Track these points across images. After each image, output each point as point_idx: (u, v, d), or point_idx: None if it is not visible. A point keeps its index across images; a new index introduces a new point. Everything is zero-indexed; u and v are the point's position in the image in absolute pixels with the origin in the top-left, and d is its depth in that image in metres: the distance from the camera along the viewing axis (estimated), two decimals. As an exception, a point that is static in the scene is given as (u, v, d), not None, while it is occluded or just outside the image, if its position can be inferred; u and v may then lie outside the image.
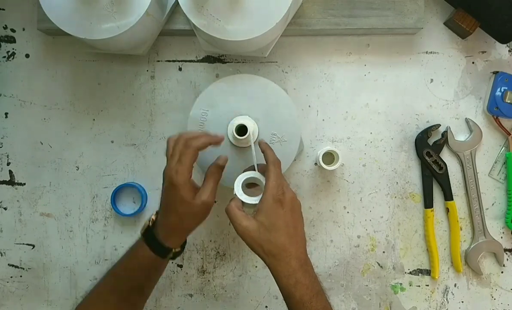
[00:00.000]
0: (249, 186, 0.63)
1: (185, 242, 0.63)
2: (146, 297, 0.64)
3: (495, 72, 0.73)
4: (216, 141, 0.60)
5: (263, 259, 0.56)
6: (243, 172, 0.61)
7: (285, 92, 0.66)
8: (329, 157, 0.72)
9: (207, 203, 0.58)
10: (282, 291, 0.56)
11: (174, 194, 0.57)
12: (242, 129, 0.63)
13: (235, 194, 0.59)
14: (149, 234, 0.60)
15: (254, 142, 0.63)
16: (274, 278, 0.56)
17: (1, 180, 0.77)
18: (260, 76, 0.67)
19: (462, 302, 0.74)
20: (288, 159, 0.67)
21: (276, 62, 0.75)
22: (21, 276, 0.77)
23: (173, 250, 0.60)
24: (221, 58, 0.75)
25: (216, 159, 0.61)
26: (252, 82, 0.67)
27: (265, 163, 0.60)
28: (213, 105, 0.66)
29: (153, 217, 0.61)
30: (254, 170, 0.62)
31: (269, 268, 0.56)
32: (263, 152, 0.60)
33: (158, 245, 0.59)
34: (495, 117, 0.73)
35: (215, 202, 0.74)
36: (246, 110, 0.66)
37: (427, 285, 0.75)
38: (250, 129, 0.62)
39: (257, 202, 0.58)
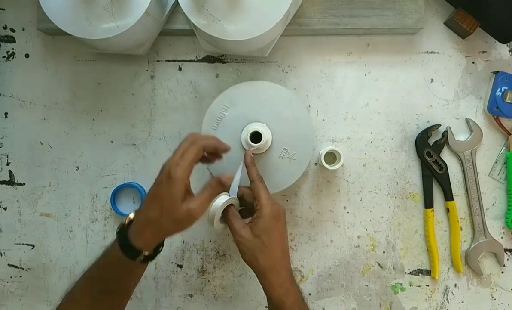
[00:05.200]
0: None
1: (160, 246, 0.59)
2: (122, 301, 0.60)
3: (495, 72, 0.73)
4: (223, 148, 0.59)
5: (256, 270, 0.57)
6: (216, 202, 0.59)
7: (307, 111, 0.66)
8: (330, 157, 0.72)
9: (193, 214, 0.53)
10: (274, 301, 0.57)
11: (165, 187, 0.53)
12: (256, 136, 0.63)
13: (212, 222, 0.58)
14: (122, 233, 0.56)
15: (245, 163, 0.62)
16: (265, 289, 0.57)
17: (1, 180, 0.77)
18: (288, 89, 0.68)
19: (463, 302, 0.74)
20: (290, 178, 0.67)
21: (276, 62, 0.75)
22: (21, 276, 0.77)
23: (143, 252, 0.55)
24: (221, 58, 0.75)
25: (221, 175, 0.57)
26: (277, 93, 0.67)
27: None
28: (234, 105, 0.66)
29: (131, 216, 0.57)
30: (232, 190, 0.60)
31: (260, 278, 0.57)
32: (247, 166, 0.61)
33: (128, 245, 0.54)
34: (495, 117, 0.73)
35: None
36: (264, 119, 0.66)
37: (427, 285, 0.74)
38: (264, 138, 0.62)
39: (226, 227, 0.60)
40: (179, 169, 0.53)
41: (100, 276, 0.58)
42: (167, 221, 0.54)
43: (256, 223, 0.57)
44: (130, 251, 0.54)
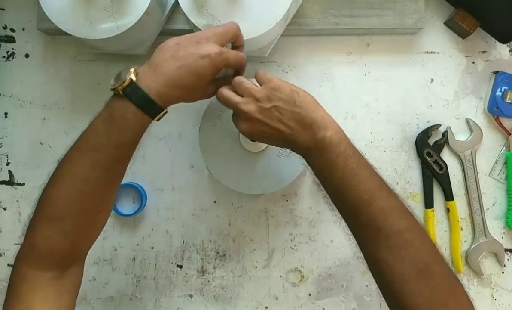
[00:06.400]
0: None
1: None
2: (124, 170, 0.55)
3: (496, 72, 0.73)
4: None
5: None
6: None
7: None
8: (329, 157, 0.72)
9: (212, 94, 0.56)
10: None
11: (207, 66, 0.51)
12: None
13: None
14: (135, 90, 0.50)
15: None
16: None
17: (1, 180, 0.77)
18: None
19: (463, 302, 0.74)
20: (289, 177, 0.67)
21: (276, 62, 0.75)
22: (20, 276, 0.77)
23: (164, 110, 0.52)
24: (221, 58, 0.75)
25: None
26: None
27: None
28: None
29: (133, 71, 0.52)
30: None
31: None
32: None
33: (151, 102, 0.50)
34: (495, 117, 0.73)
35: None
36: None
37: (428, 286, 0.74)
38: None
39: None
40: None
41: (113, 143, 0.51)
42: (195, 95, 0.55)
43: None
44: (151, 108, 0.51)
